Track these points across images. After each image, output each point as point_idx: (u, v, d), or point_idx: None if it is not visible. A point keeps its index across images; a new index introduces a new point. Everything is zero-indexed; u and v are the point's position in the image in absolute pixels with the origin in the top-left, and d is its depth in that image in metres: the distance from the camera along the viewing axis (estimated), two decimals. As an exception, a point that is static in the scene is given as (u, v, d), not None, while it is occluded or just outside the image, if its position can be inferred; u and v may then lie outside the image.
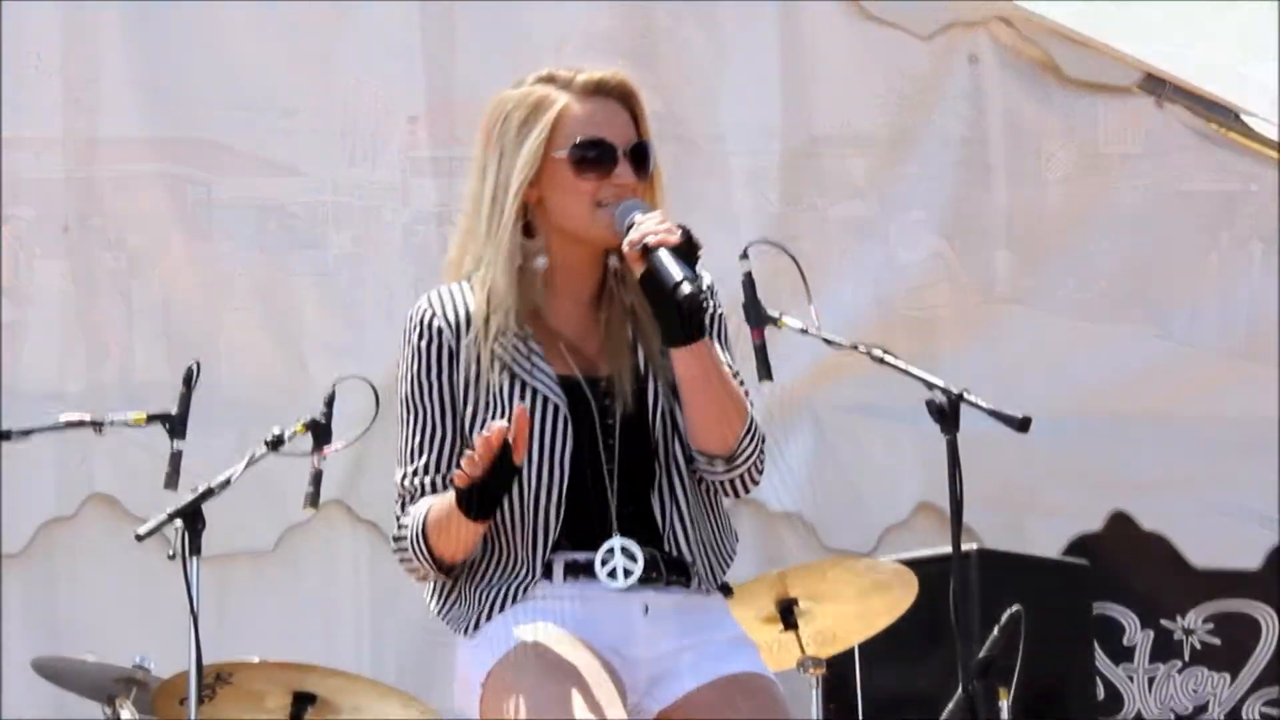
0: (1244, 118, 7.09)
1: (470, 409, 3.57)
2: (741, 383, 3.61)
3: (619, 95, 3.64)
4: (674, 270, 3.44)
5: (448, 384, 3.58)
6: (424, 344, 3.59)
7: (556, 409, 3.54)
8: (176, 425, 4.74)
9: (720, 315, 3.65)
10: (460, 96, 6.55)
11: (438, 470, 3.57)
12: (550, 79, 3.63)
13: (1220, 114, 7.08)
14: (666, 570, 3.57)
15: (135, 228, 6.31)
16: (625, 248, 3.50)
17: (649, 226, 3.49)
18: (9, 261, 6.21)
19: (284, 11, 6.47)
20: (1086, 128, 7.00)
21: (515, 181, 3.58)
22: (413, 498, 3.58)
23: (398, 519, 3.59)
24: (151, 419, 4.78)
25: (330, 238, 6.45)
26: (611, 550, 3.54)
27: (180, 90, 6.36)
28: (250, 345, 6.33)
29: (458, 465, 3.49)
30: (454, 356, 3.58)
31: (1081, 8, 6.94)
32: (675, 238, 3.48)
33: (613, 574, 3.54)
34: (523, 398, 3.54)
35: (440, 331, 3.59)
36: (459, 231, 3.65)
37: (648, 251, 3.48)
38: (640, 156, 3.61)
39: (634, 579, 3.53)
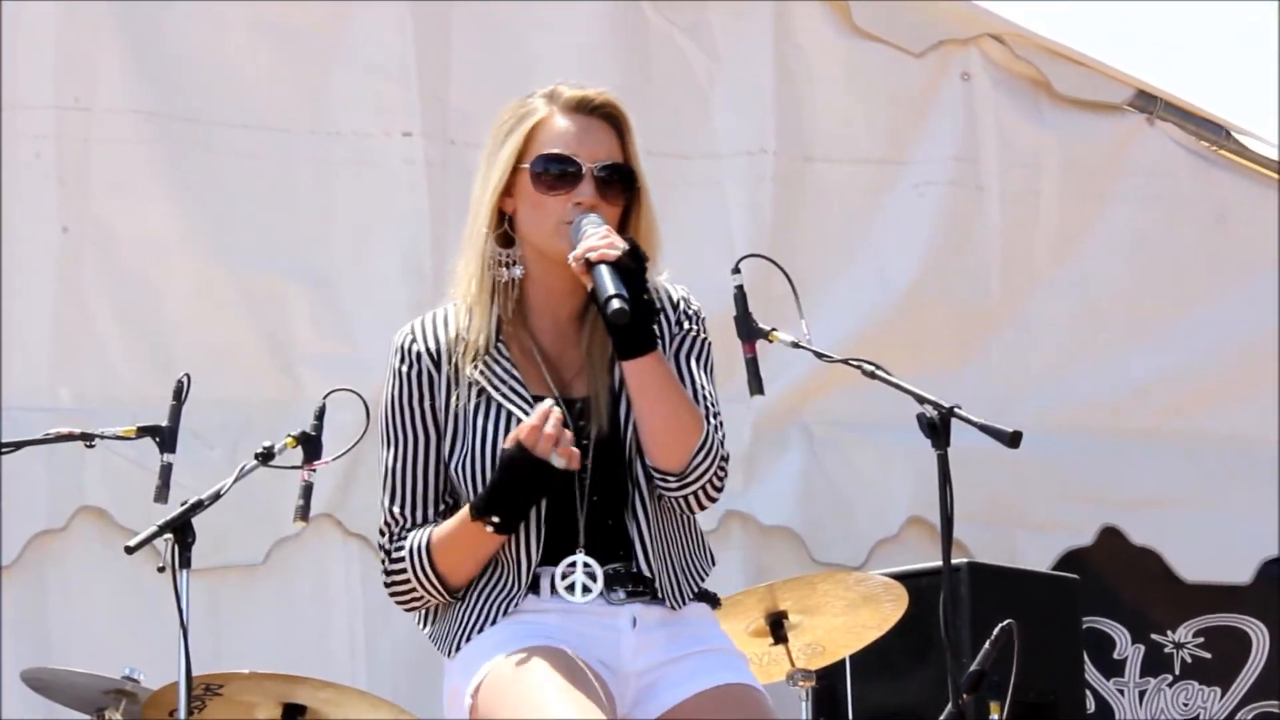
0: (1236, 135, 7.11)
1: (450, 434, 3.58)
2: (712, 405, 3.60)
3: (604, 114, 3.62)
4: (608, 285, 3.42)
5: (429, 410, 3.59)
6: (404, 368, 3.60)
7: None
8: (167, 438, 4.73)
9: (703, 341, 3.66)
10: (454, 112, 6.56)
11: (423, 506, 3.59)
12: (549, 93, 3.63)
13: (1212, 131, 7.10)
14: (635, 585, 3.58)
15: (126, 241, 6.31)
16: (570, 261, 3.49)
17: (592, 241, 3.48)
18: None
19: (278, 29, 6.47)
20: (1078, 145, 7.02)
21: (489, 189, 3.60)
22: (401, 532, 3.58)
23: (387, 552, 3.59)
24: (142, 432, 4.77)
25: (323, 252, 6.45)
26: (573, 565, 3.55)
27: (175, 108, 6.35)
28: (242, 358, 6.32)
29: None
30: (434, 382, 3.58)
31: (1071, 22, 6.97)
32: (615, 253, 3.45)
33: (571, 588, 3.55)
34: (496, 420, 3.55)
35: (420, 357, 3.59)
36: (462, 240, 3.66)
37: (590, 266, 3.46)
38: (613, 177, 3.59)
39: (593, 595, 3.54)
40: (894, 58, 6.90)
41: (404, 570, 3.56)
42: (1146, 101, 7.05)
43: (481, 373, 3.56)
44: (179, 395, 4.73)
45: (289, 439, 4.59)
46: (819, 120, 6.86)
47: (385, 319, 6.33)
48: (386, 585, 3.60)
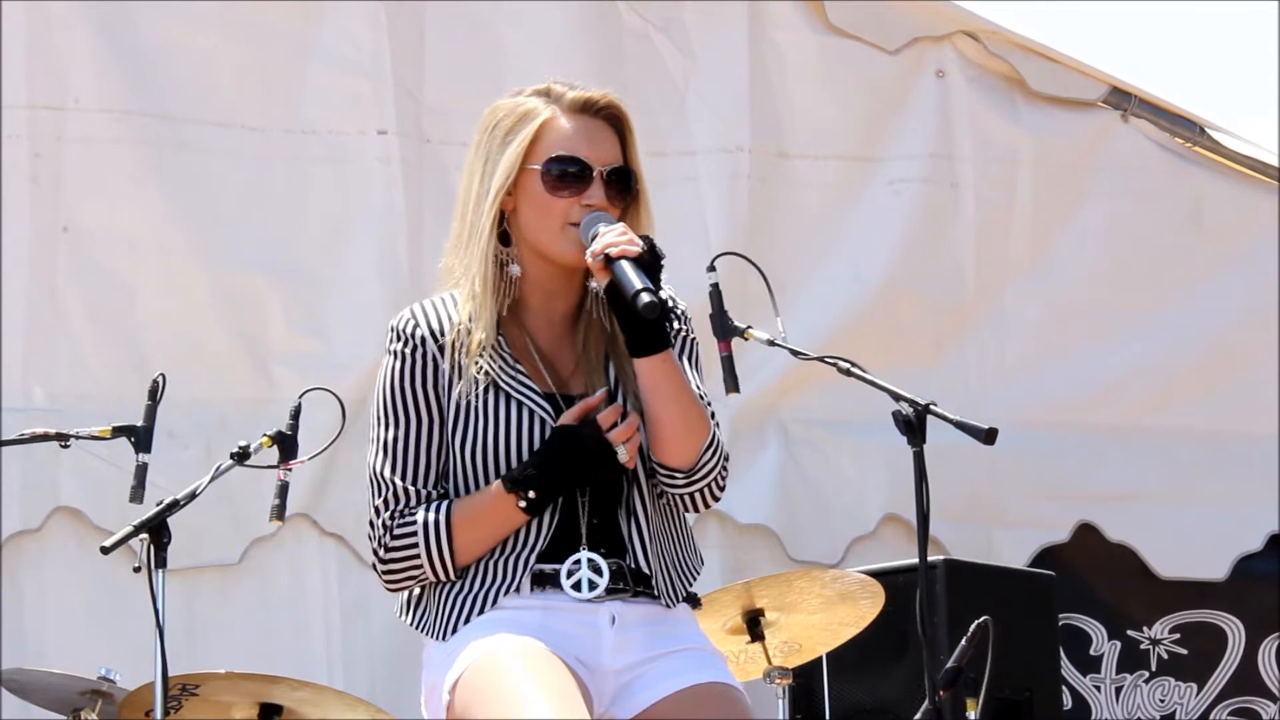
0: (1209, 131, 7.13)
1: (455, 421, 3.58)
2: (708, 404, 3.64)
3: (607, 116, 3.65)
4: (634, 280, 3.46)
5: (433, 392, 3.59)
6: (408, 350, 3.60)
7: (543, 424, 3.57)
8: (142, 438, 4.72)
9: (692, 340, 3.69)
10: (429, 110, 6.55)
11: (430, 480, 3.58)
12: (545, 92, 3.65)
13: (1185, 127, 7.11)
14: (633, 582, 3.59)
15: (100, 240, 6.29)
16: (588, 258, 3.52)
17: (611, 238, 3.51)
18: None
19: (253, 26, 6.45)
20: (1052, 142, 7.03)
21: (493, 189, 3.60)
22: (408, 504, 3.57)
23: (388, 528, 3.57)
24: (117, 432, 4.76)
25: (298, 251, 6.44)
26: (579, 562, 3.56)
27: (149, 107, 6.34)
28: (217, 358, 6.31)
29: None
30: (437, 366, 3.59)
31: (1046, 19, 6.98)
32: (636, 249, 3.49)
33: (577, 585, 3.56)
34: (509, 411, 3.56)
35: (424, 340, 3.60)
36: (451, 237, 3.66)
37: (610, 262, 3.49)
38: (620, 180, 3.62)
39: (599, 591, 3.55)
40: (869, 55, 6.90)
41: (412, 545, 3.55)
42: (1120, 98, 7.06)
43: (489, 366, 3.57)
44: (154, 395, 4.72)
45: (264, 438, 4.59)
46: (794, 117, 6.86)
47: (361, 318, 6.34)
48: (382, 560, 3.58)
